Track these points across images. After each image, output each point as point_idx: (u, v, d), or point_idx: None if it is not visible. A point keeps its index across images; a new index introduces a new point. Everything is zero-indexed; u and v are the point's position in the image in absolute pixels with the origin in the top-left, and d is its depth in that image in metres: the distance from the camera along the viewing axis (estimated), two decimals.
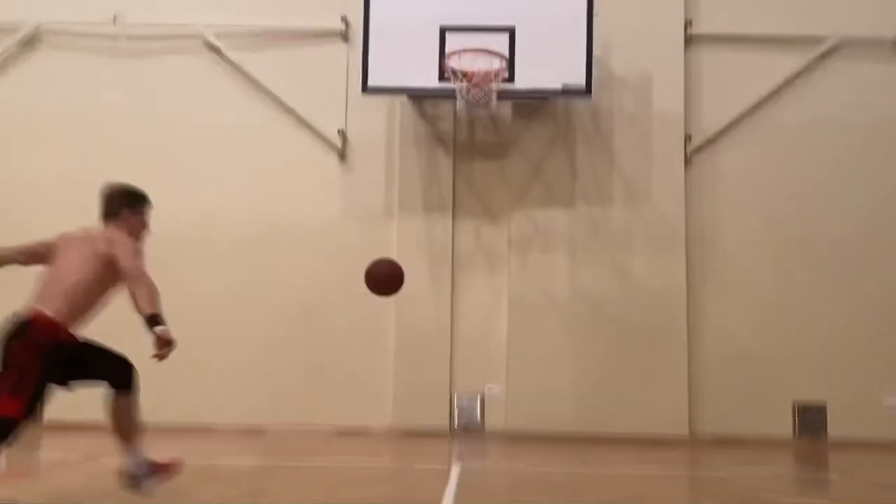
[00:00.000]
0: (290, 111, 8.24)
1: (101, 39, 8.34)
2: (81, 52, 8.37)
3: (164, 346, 4.43)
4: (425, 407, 7.80)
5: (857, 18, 8.23)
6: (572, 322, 7.82)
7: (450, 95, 7.56)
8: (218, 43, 8.26)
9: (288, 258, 8.10)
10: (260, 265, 8.09)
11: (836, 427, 7.78)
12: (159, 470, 4.60)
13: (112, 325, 8.11)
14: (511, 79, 7.46)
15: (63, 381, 4.52)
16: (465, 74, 7.22)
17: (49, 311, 4.47)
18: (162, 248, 8.05)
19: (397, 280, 5.35)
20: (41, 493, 4.56)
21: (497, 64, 7.25)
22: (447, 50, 7.41)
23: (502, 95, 7.46)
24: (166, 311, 8.45)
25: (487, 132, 8.20)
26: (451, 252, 8.00)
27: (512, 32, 7.54)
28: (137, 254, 4.80)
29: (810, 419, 7.81)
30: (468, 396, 7.87)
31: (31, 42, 8.37)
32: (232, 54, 8.26)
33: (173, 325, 8.40)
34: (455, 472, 5.54)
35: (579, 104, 8.10)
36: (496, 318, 7.95)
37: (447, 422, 7.83)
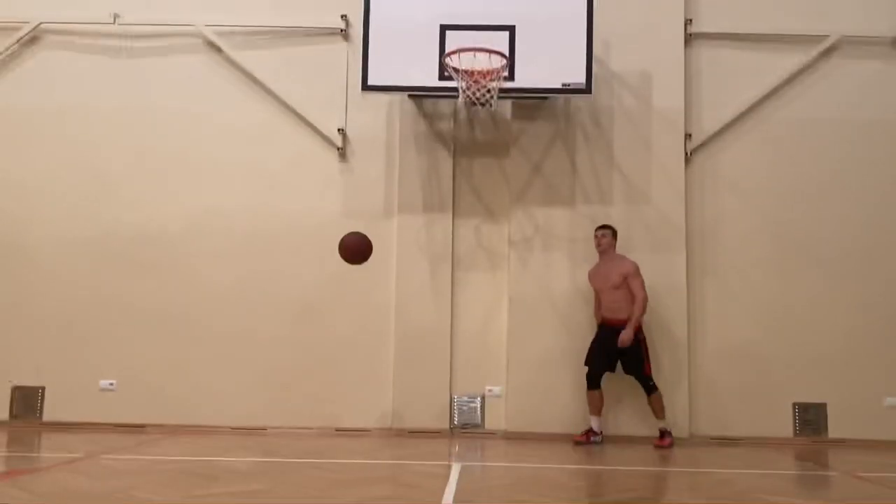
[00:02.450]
0: (290, 109, 8.25)
1: (102, 38, 8.35)
2: (81, 52, 8.38)
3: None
4: (425, 407, 7.80)
5: (856, 17, 8.23)
6: (572, 321, 7.82)
7: (450, 94, 7.56)
8: (218, 41, 8.26)
9: (287, 257, 8.10)
10: (259, 264, 8.10)
11: (836, 427, 7.79)
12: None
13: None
14: (511, 77, 7.46)
15: None
16: (465, 73, 7.21)
17: None
18: (161, 247, 8.13)
19: (366, 250, 6.74)
20: (41, 493, 4.56)
21: (497, 62, 7.24)
22: (447, 48, 7.41)
23: (502, 94, 7.45)
24: (165, 311, 8.56)
25: (487, 130, 8.20)
26: (451, 251, 8.00)
27: (512, 31, 7.54)
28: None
29: (810, 419, 7.82)
30: (468, 396, 7.88)
31: (31, 42, 8.38)
32: (232, 53, 8.27)
33: (172, 325, 8.50)
34: (455, 472, 5.54)
35: (579, 102, 8.10)
36: (496, 317, 7.96)
37: (447, 422, 7.84)
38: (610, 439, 7.63)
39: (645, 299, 7.31)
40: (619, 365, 7.40)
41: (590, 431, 7.37)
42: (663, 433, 7.31)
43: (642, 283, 7.33)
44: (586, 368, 7.41)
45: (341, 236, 6.76)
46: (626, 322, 7.24)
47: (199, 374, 7.96)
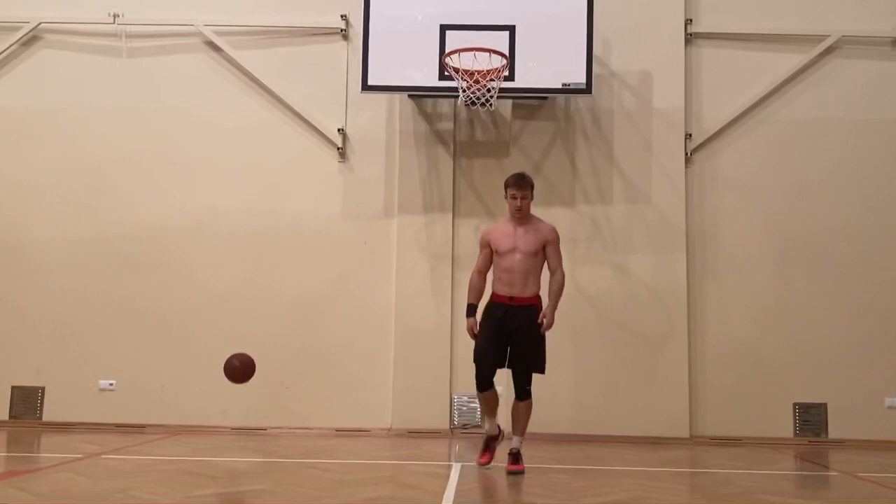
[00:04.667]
0: (290, 109, 8.24)
1: (101, 38, 8.34)
2: (81, 52, 8.37)
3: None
4: (425, 407, 7.80)
5: (857, 16, 8.22)
6: (572, 322, 7.81)
7: (450, 94, 7.57)
8: (218, 41, 8.25)
9: (287, 257, 8.10)
10: (259, 264, 8.10)
11: (837, 427, 7.79)
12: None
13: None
14: (511, 77, 7.47)
15: None
16: (465, 73, 7.21)
17: None
18: (160, 247, 8.12)
19: (248, 372, 6.25)
20: (41, 493, 4.56)
21: (497, 62, 7.24)
22: (447, 48, 7.41)
23: (502, 94, 7.45)
24: (165, 311, 8.54)
25: (487, 130, 8.20)
26: (451, 251, 7.99)
27: (512, 31, 7.55)
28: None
29: (810, 419, 7.82)
30: (468, 396, 7.87)
31: (31, 42, 8.37)
32: (232, 53, 8.26)
33: (172, 325, 8.49)
34: (455, 472, 5.54)
35: (579, 102, 8.10)
36: None
37: (447, 422, 7.84)
38: (610, 439, 7.63)
39: (564, 278, 5.87)
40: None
41: (490, 440, 5.91)
42: (518, 454, 5.66)
43: (561, 256, 5.91)
44: (475, 365, 5.86)
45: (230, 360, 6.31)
46: (532, 302, 5.75)
47: (200, 375, 7.95)
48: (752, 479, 5.60)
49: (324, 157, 8.23)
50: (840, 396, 7.81)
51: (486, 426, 5.96)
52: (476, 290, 5.88)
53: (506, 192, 5.84)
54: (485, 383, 5.79)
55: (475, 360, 5.82)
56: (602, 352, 7.84)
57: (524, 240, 5.76)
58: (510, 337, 5.71)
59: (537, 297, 5.79)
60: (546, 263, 5.85)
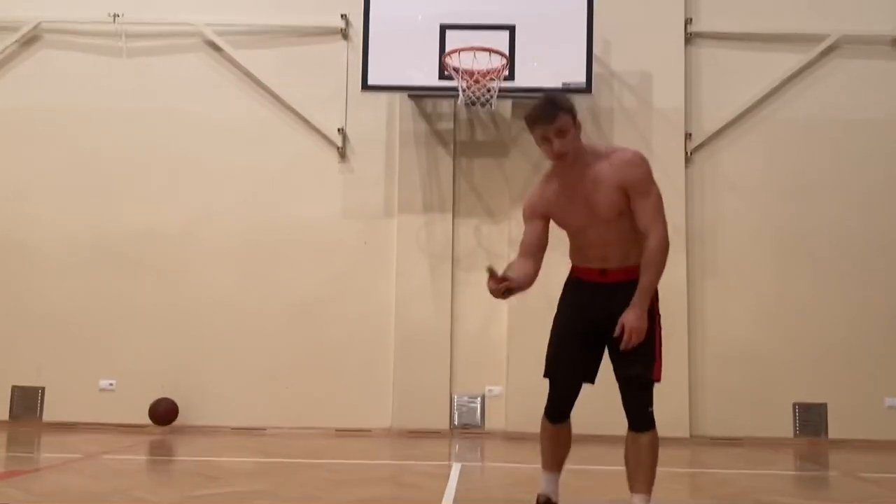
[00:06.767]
0: (289, 109, 8.24)
1: (101, 38, 8.34)
2: (81, 52, 8.37)
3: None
4: (425, 407, 7.80)
5: (856, 16, 8.22)
6: None
7: (450, 94, 7.57)
8: (218, 41, 8.25)
9: (287, 257, 8.10)
10: (259, 264, 8.10)
11: (836, 427, 7.78)
12: None
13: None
14: (511, 77, 7.47)
15: None
16: (465, 72, 7.22)
17: None
18: (160, 247, 8.13)
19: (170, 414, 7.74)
20: (41, 493, 4.55)
21: (497, 62, 7.25)
22: (447, 48, 7.41)
23: (502, 94, 7.45)
24: (165, 311, 8.54)
25: (487, 130, 8.20)
26: (451, 251, 7.99)
27: (512, 31, 7.55)
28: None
29: (810, 419, 7.82)
30: (468, 396, 7.87)
31: (30, 41, 8.37)
32: (232, 52, 8.26)
33: (172, 325, 8.48)
34: (455, 472, 5.54)
35: (579, 102, 8.05)
36: (496, 317, 7.94)
37: (447, 422, 7.83)
38: (610, 439, 7.61)
39: (666, 239, 3.73)
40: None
41: None
42: None
43: (660, 201, 3.87)
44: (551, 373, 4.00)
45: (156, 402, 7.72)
46: (636, 276, 3.70)
47: (199, 374, 7.95)
48: (752, 479, 5.60)
49: (324, 157, 8.22)
50: (840, 396, 7.81)
51: (543, 483, 4.00)
52: (517, 273, 4.01)
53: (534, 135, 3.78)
54: (562, 409, 3.98)
55: (550, 370, 3.98)
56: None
57: (599, 198, 3.80)
58: (605, 332, 3.81)
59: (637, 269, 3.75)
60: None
